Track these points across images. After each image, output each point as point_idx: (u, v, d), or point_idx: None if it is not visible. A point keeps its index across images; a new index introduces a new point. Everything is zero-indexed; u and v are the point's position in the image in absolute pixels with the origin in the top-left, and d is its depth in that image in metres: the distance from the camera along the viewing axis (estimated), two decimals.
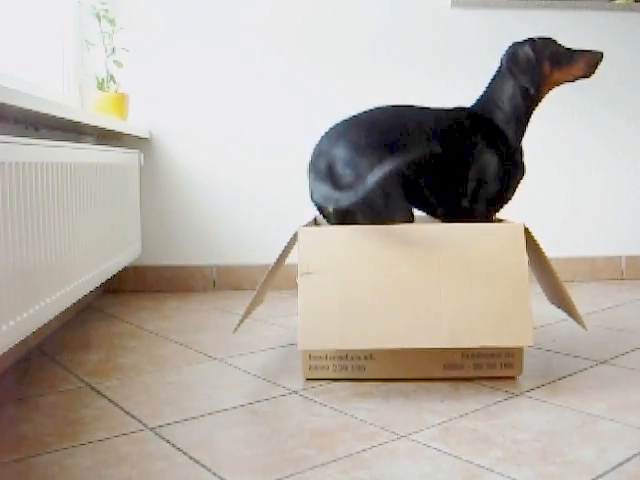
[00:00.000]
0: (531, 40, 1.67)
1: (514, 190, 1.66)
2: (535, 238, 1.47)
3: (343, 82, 2.63)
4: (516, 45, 1.67)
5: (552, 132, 2.73)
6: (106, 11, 2.39)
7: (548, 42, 1.67)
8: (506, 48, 1.72)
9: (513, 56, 1.66)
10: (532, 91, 1.62)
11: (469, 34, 2.66)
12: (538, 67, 1.64)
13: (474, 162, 1.58)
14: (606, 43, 2.71)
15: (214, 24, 2.57)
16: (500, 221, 1.70)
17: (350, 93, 2.63)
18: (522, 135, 1.67)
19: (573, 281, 2.74)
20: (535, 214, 2.74)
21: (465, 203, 1.58)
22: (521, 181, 1.67)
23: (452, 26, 2.64)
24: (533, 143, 2.73)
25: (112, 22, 2.39)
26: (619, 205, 2.78)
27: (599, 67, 1.67)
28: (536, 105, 1.68)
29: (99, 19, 2.38)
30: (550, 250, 2.76)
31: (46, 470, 1.06)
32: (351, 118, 1.61)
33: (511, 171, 1.62)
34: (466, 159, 1.57)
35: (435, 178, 1.56)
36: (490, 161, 1.59)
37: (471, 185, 1.58)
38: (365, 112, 1.62)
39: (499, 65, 1.69)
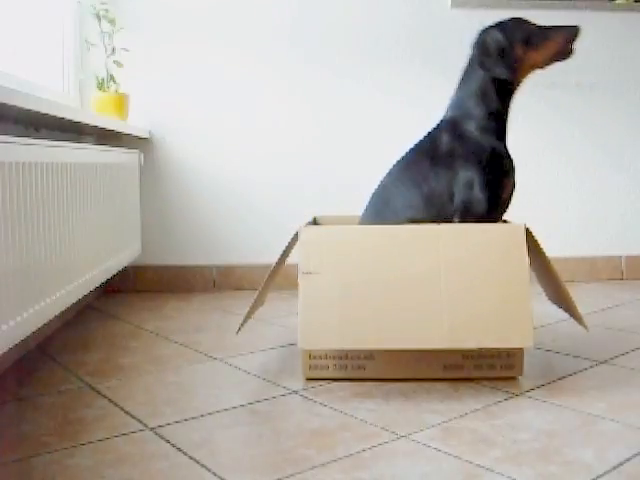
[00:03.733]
0: (500, 23, 1.56)
1: (510, 192, 1.58)
2: (536, 239, 1.47)
3: (344, 82, 2.62)
4: (484, 32, 1.57)
5: (552, 132, 2.73)
6: (106, 11, 2.38)
7: (519, 22, 1.55)
8: (475, 36, 1.61)
9: (483, 45, 1.55)
10: (509, 79, 1.51)
11: (469, 34, 2.65)
12: (511, 51, 1.53)
13: (456, 183, 1.52)
14: (606, 43, 2.71)
15: (214, 24, 2.57)
16: (502, 221, 1.70)
17: (352, 94, 2.63)
18: (503, 132, 1.57)
19: (573, 281, 2.74)
20: (535, 214, 2.74)
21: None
22: (514, 180, 1.58)
23: (452, 26, 2.64)
24: (533, 143, 2.73)
25: (112, 22, 2.39)
26: (619, 205, 2.78)
27: (575, 43, 1.55)
28: (512, 95, 1.57)
29: (99, 19, 2.38)
30: (550, 250, 2.75)
31: (46, 470, 1.06)
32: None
33: (497, 178, 1.53)
34: (448, 182, 1.52)
35: (430, 213, 1.54)
36: (470, 178, 1.51)
37: (459, 206, 1.52)
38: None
39: (469, 57, 1.59)
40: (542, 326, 1.96)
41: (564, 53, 1.56)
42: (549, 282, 1.61)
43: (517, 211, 2.73)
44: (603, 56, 2.72)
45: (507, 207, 1.62)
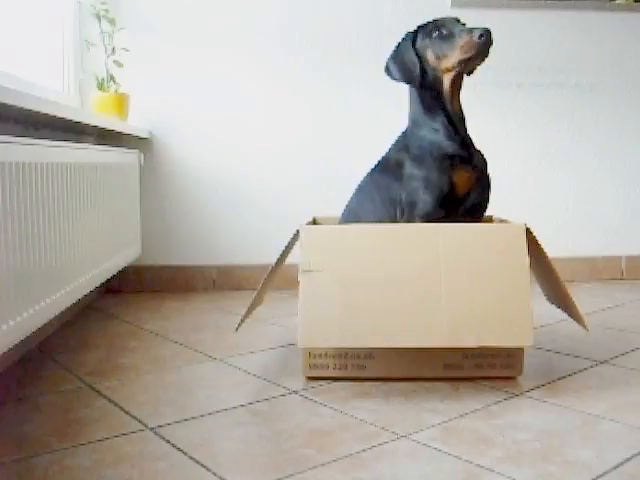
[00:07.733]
0: (420, 27, 1.58)
1: (471, 187, 1.53)
2: (537, 239, 1.47)
3: (345, 84, 2.62)
4: (404, 38, 1.60)
5: (552, 132, 2.73)
6: (106, 11, 2.38)
7: (434, 26, 1.54)
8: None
9: (395, 51, 1.60)
10: (414, 84, 1.55)
11: None
12: (426, 61, 1.55)
13: (407, 188, 1.54)
14: (606, 43, 2.71)
15: (214, 24, 2.57)
16: (502, 221, 1.71)
17: (353, 95, 2.63)
18: (455, 131, 1.55)
19: (573, 281, 2.74)
20: (535, 214, 2.74)
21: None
22: (480, 175, 1.55)
23: None
24: (533, 144, 2.73)
25: (112, 22, 2.39)
26: (619, 205, 2.78)
27: (488, 48, 1.46)
28: (443, 95, 1.55)
29: (99, 19, 2.37)
30: (550, 250, 2.75)
31: (46, 470, 1.06)
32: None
33: (444, 177, 1.50)
34: (400, 190, 1.56)
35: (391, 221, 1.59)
36: (413, 181, 1.52)
37: (405, 208, 1.54)
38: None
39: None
40: (542, 326, 1.96)
41: (474, 59, 1.49)
42: (549, 282, 1.61)
43: (517, 211, 2.74)
44: (603, 56, 2.72)
45: (485, 205, 1.60)
